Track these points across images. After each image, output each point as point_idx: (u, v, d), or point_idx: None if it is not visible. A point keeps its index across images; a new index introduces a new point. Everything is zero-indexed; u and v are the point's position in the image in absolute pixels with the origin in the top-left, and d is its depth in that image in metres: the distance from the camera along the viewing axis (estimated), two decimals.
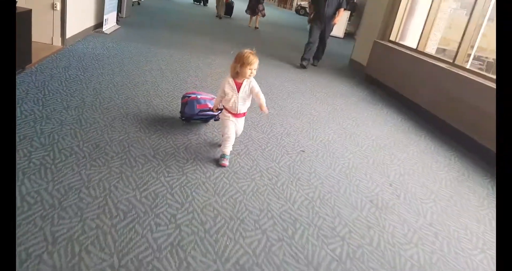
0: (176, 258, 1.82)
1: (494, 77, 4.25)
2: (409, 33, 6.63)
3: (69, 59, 4.66)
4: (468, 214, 2.79)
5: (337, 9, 6.84)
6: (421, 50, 5.84)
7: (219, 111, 3.09)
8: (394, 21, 6.65)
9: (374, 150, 3.64)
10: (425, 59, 5.36)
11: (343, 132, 3.95)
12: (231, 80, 2.79)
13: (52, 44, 4.99)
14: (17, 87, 3.51)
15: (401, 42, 6.47)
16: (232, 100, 2.80)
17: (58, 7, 4.85)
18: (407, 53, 5.81)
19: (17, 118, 2.90)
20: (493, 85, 4.07)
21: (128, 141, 2.92)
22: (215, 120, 3.50)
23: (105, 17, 6.56)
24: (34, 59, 4.09)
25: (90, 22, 6.27)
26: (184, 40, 7.44)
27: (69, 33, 5.21)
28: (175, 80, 4.67)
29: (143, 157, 2.72)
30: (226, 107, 2.87)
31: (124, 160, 2.63)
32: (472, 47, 4.95)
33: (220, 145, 3.06)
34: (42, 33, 4.78)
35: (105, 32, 6.54)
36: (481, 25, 4.81)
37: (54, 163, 2.41)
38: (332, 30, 7.27)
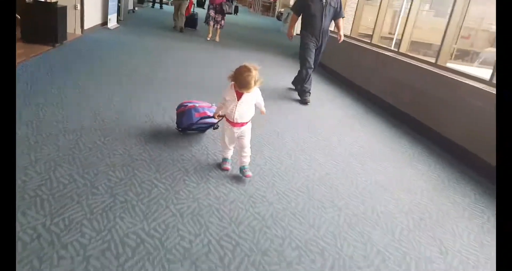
0: None
1: (379, 45, 6.62)
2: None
3: (87, 41, 7.07)
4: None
5: (334, 19, 5.28)
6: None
7: (220, 118, 2.93)
8: None
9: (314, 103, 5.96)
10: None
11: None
12: (232, 89, 2.69)
13: (74, 32, 7.32)
14: (63, 50, 5.87)
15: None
16: (230, 107, 2.71)
17: (79, 7, 7.21)
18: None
19: (74, 62, 5.19)
20: (378, 50, 6.42)
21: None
22: (213, 129, 3.31)
23: (109, 17, 8.95)
24: (68, 39, 6.47)
25: (99, 20, 8.66)
26: (156, 33, 9.85)
27: (85, 26, 7.59)
28: (151, 47, 7.01)
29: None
30: (226, 114, 2.80)
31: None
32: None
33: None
34: (68, 25, 7.04)
35: (109, 28, 8.98)
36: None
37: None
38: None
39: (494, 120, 3.12)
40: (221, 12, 9.37)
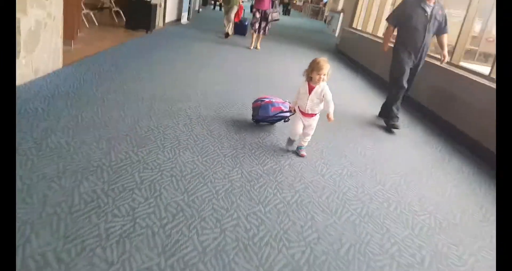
0: None
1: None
2: (370, 23, 10.20)
3: (168, 31, 8.99)
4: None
5: (437, 35, 4.33)
6: (368, 31, 9.47)
7: (294, 112, 3.26)
8: (355, 16, 10.36)
9: None
10: (365, 35, 9.04)
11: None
12: (305, 83, 3.00)
13: (159, 24, 9.24)
14: (153, 35, 7.76)
15: (362, 29, 10.10)
16: (303, 100, 3.03)
17: (163, 6, 9.07)
18: (357, 34, 9.49)
19: (161, 43, 6.96)
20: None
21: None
22: (284, 122, 3.71)
23: (182, 14, 10.82)
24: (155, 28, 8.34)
25: (174, 16, 10.60)
26: (214, 29, 11.52)
27: (166, 20, 9.50)
28: (211, 36, 8.73)
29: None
30: (299, 105, 3.12)
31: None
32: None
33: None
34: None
35: (182, 23, 10.92)
36: None
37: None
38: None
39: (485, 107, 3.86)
40: (265, 19, 8.35)
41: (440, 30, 4.26)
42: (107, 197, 2.15)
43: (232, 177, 2.66)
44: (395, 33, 4.51)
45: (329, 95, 2.94)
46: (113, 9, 8.46)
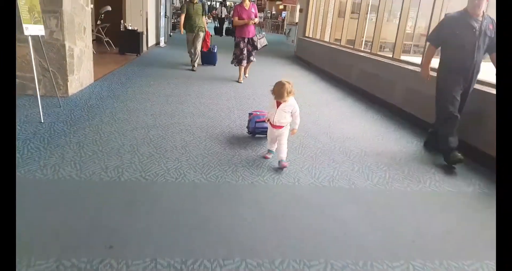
0: None
1: (324, 39, 9.33)
2: (318, 32, 11.70)
3: (151, 53, 10.14)
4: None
5: (488, 52, 3.60)
6: (316, 38, 10.94)
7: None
8: (306, 26, 11.84)
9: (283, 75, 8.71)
10: (315, 41, 10.47)
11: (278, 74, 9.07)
12: (274, 99, 3.18)
13: (143, 49, 10.34)
14: (142, 58, 8.89)
15: (312, 36, 11.57)
16: (271, 113, 3.23)
17: (145, 33, 10.23)
18: (309, 41, 10.94)
19: (150, 62, 8.10)
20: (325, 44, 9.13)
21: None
22: None
23: (160, 39, 12.00)
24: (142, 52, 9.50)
25: (154, 41, 11.74)
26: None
27: (149, 45, 10.64)
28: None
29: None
30: (269, 117, 3.31)
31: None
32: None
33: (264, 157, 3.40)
34: None
35: (161, 46, 12.10)
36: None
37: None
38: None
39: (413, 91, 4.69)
40: (253, 46, 7.03)
41: (492, 47, 3.53)
42: (167, 124, 4.08)
43: None
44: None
45: (297, 111, 3.18)
46: (104, 40, 9.59)
